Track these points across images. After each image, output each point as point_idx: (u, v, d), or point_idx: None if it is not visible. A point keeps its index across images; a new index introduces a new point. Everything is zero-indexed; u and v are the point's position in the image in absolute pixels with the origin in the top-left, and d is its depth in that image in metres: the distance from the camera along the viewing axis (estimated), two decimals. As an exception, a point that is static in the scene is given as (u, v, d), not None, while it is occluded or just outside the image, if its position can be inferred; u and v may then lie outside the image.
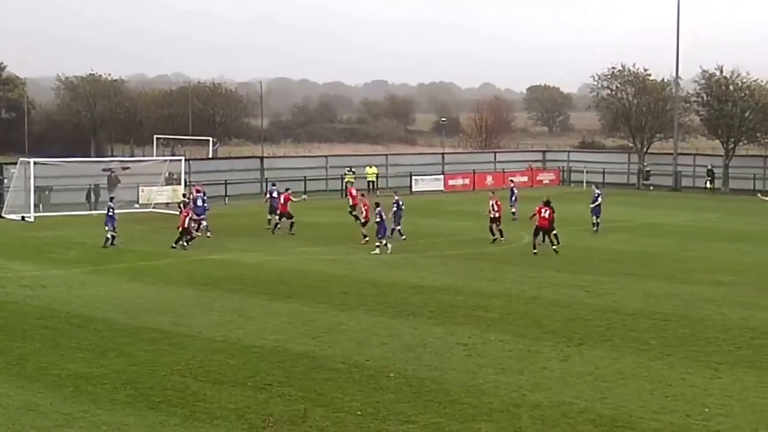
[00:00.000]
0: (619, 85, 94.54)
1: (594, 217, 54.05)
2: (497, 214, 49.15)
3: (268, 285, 37.41)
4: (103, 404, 22.24)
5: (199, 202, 51.40)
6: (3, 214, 62.63)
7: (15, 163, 66.93)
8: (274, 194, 54.54)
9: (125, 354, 26.85)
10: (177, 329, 29.89)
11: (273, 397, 22.76)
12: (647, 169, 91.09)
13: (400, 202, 50.48)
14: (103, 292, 35.90)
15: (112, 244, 47.52)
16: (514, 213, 58.91)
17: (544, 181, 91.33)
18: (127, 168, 72.33)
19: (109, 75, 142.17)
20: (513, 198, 59.98)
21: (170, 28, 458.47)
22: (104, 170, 71.18)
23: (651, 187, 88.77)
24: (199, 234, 48.83)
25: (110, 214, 48.09)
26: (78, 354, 26.88)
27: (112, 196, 55.00)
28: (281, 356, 26.61)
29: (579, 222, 56.42)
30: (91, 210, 64.78)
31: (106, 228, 47.65)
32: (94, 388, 23.52)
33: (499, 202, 49.60)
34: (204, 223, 51.11)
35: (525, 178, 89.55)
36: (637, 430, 20.66)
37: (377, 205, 46.49)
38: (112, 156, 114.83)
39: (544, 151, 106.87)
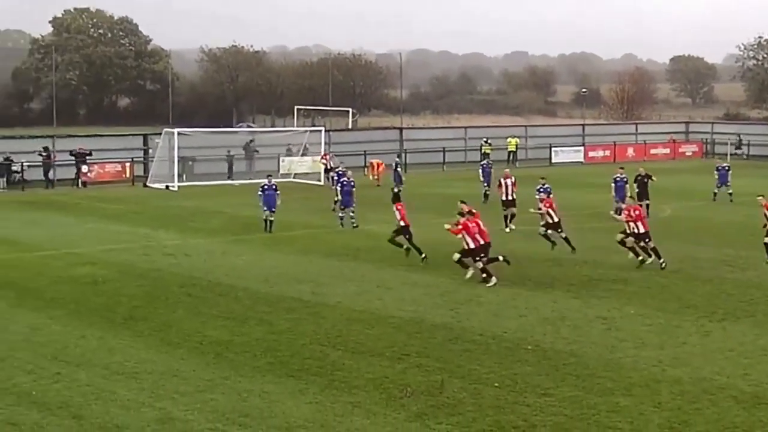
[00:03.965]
0: (766, 56, 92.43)
1: None
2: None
3: (405, 257, 37.47)
4: (244, 371, 22.64)
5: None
6: (148, 184, 64.11)
7: (160, 134, 68.38)
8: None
9: (266, 322, 27.27)
10: (316, 299, 30.23)
11: (410, 368, 22.86)
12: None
13: (621, 176, 48.06)
14: (244, 262, 36.44)
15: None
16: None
17: (687, 154, 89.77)
18: (252, 141, 73.49)
19: (251, 47, 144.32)
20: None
21: (310, 1, 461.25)
22: (249, 143, 72.48)
23: (745, 156, 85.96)
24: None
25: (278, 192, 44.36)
26: (219, 321, 27.38)
27: (269, 174, 48.12)
28: (419, 327, 26.71)
29: (723, 195, 55.38)
30: (230, 180, 66.06)
31: (274, 210, 44.02)
32: (235, 356, 23.96)
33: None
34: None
35: (667, 150, 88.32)
36: (781, 407, 20.25)
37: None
38: (253, 126, 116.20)
39: (686, 123, 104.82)
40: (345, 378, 22.07)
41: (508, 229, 44.04)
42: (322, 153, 67.73)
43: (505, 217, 44.92)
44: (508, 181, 45.39)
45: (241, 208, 49.42)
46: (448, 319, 27.59)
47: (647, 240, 35.51)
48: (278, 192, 44.31)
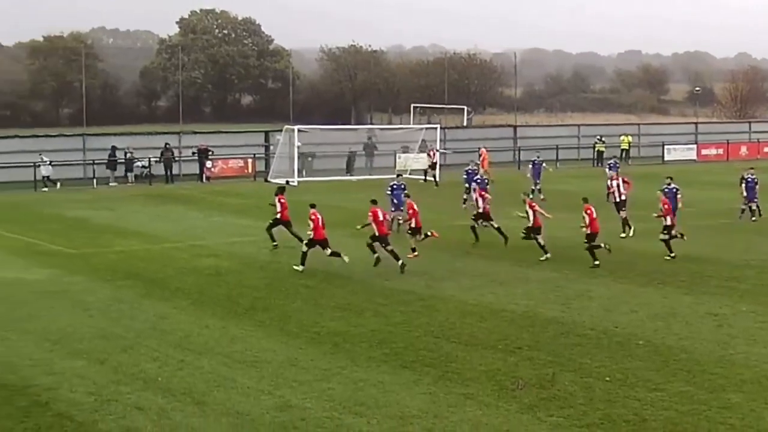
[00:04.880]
0: None
1: None
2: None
3: (518, 251, 37.76)
4: (360, 361, 23.23)
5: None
6: (269, 179, 65.31)
7: (280, 131, 69.58)
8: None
9: (381, 314, 27.88)
10: (430, 292, 30.79)
11: (522, 361, 23.29)
12: None
13: (752, 176, 46.59)
14: (360, 255, 36.94)
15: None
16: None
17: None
18: (372, 138, 74.43)
19: (369, 46, 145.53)
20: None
21: (428, 2, 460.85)
22: (369, 140, 73.43)
23: None
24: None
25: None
26: (337, 313, 28.08)
27: (399, 173, 47.12)
28: (531, 321, 27.12)
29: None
30: (349, 176, 67.02)
31: (402, 210, 42.04)
32: (351, 346, 24.59)
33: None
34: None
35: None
36: None
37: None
38: (371, 124, 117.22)
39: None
40: (458, 370, 22.54)
41: (624, 234, 41.71)
42: (429, 149, 68.33)
43: (623, 220, 42.49)
44: (614, 183, 44.20)
45: (360, 204, 49.76)
46: (559, 314, 27.96)
47: (537, 235, 36.51)
48: (406, 191, 43.12)
